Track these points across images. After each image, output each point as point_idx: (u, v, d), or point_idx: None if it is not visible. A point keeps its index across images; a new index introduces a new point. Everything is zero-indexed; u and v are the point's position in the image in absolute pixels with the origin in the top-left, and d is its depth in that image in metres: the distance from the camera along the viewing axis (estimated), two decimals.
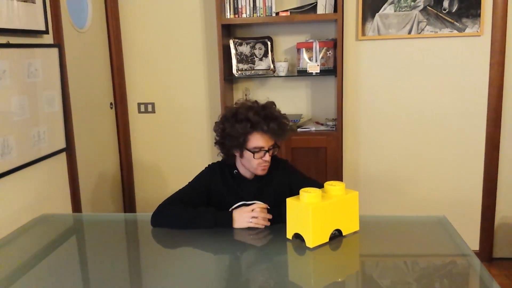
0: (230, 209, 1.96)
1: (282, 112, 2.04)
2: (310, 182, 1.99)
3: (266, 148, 1.95)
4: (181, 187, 2.07)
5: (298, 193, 1.75)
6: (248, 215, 1.87)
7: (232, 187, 2.05)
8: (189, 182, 2.09)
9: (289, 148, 3.10)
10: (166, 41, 3.46)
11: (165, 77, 3.52)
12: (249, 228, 1.88)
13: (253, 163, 1.97)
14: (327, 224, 1.73)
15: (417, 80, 3.25)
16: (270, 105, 2.01)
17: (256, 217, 1.87)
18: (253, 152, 1.95)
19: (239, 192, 2.03)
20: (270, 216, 1.89)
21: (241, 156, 2.00)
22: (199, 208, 1.94)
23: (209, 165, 2.13)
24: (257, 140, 1.94)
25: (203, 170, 2.11)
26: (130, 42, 3.49)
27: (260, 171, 2.00)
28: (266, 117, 1.93)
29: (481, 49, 3.15)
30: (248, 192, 2.03)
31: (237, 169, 2.07)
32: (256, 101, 2.02)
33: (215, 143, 2.08)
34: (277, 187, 2.05)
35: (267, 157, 1.96)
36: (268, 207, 1.92)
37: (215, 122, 2.08)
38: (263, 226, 1.88)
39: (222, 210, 1.95)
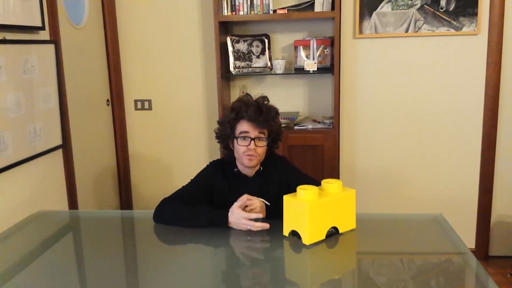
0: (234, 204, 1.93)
1: (281, 111, 2.06)
2: (307, 179, 1.99)
3: (252, 136, 1.98)
4: (184, 184, 2.08)
5: (295, 190, 1.75)
6: (244, 222, 1.83)
7: (233, 185, 2.06)
8: (192, 179, 2.10)
9: (286, 146, 3.10)
10: (163, 38, 3.45)
11: (162, 74, 3.51)
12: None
13: (239, 150, 2.00)
14: (324, 222, 1.73)
15: (413, 78, 3.25)
16: (260, 97, 2.09)
17: (251, 220, 1.84)
18: (238, 138, 2.00)
19: (241, 190, 2.01)
20: (267, 226, 1.85)
21: (233, 145, 2.05)
22: (197, 207, 1.94)
23: (210, 162, 2.14)
24: (242, 126, 2.01)
25: (205, 168, 2.13)
26: (126, 39, 3.48)
27: (246, 161, 2.01)
28: (247, 103, 2.02)
29: (478, 48, 3.16)
30: (250, 190, 2.01)
31: (237, 167, 2.09)
32: (249, 95, 2.14)
33: (216, 137, 2.13)
34: (277, 184, 2.07)
35: (252, 145, 1.98)
36: (267, 203, 1.92)
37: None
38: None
39: (225, 207, 1.93)
